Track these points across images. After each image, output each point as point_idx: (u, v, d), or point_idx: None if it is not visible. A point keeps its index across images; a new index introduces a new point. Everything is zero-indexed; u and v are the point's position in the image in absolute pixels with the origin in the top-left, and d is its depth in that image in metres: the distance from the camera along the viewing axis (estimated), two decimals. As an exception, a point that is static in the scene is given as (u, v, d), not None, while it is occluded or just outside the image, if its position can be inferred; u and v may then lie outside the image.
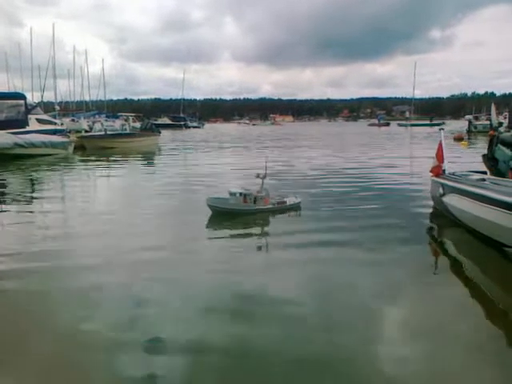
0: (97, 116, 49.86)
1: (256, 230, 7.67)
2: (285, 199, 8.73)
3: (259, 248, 6.59)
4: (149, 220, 8.29)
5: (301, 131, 65.61)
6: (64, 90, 56.87)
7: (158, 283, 5.10)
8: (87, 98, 63.65)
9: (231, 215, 8.01)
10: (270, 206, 8.39)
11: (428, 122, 79.39)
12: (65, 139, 24.94)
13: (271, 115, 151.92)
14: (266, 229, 7.71)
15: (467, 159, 15.83)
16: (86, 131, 33.60)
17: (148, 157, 23.88)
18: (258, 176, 8.52)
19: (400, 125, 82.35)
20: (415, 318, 4.24)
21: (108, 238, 7.09)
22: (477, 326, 4.08)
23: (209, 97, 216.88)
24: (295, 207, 8.72)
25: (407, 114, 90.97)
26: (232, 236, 7.15)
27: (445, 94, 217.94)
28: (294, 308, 4.41)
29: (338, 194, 10.62)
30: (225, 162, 19.98)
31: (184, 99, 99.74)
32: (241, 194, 8.17)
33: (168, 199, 10.49)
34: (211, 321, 4.19)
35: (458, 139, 31.51)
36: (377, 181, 12.93)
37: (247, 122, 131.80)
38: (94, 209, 9.75)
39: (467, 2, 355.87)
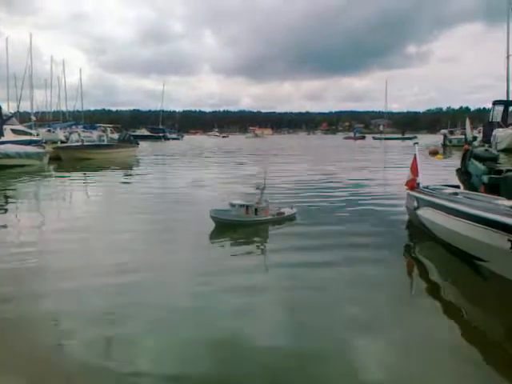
0: (74, 127, 49.34)
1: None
2: (282, 210, 8.83)
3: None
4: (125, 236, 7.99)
5: (283, 143, 66.02)
6: (41, 100, 56.49)
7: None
8: (64, 109, 63.20)
9: (233, 226, 7.97)
10: (270, 217, 8.48)
11: (401, 135, 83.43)
12: (40, 150, 24.54)
13: (250, 128, 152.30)
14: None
15: (442, 172, 16.03)
16: (63, 142, 33.17)
17: (126, 169, 23.55)
18: (257, 187, 8.56)
19: (375, 138, 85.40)
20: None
21: (81, 256, 6.67)
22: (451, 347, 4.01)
23: (188, 108, 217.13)
24: (292, 218, 8.85)
25: (381, 128, 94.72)
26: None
27: (421, 109, 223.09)
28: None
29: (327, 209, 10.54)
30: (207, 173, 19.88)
31: (163, 111, 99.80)
32: (242, 205, 8.18)
33: (146, 213, 10.31)
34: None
35: (434, 153, 32.08)
36: (356, 195, 13.00)
37: (217, 134, 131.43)
38: (66, 223, 9.21)
39: (442, 19, 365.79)
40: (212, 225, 8.07)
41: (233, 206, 8.23)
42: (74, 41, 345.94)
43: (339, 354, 3.88)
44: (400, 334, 4.25)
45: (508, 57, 42.71)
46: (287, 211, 8.90)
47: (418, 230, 7.86)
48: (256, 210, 8.26)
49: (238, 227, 8.00)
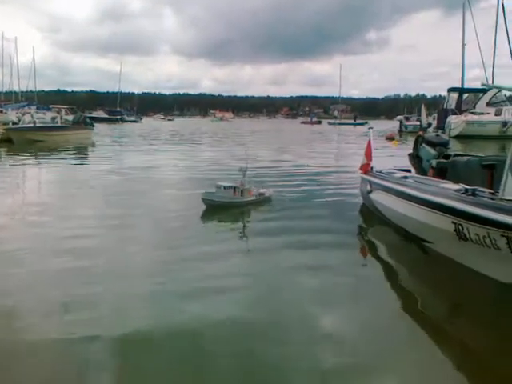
0: (26, 107, 47.55)
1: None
2: (261, 191, 9.12)
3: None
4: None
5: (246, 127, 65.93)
6: (-9, 80, 53.96)
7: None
8: (16, 89, 60.72)
9: (223, 208, 8.22)
10: (254, 198, 8.78)
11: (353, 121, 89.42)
12: (-12, 131, 23.53)
13: (211, 111, 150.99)
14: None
15: (397, 157, 16.39)
16: (14, 123, 31.86)
17: (80, 151, 22.87)
18: (240, 169, 8.80)
19: (330, 123, 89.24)
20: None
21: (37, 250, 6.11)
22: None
23: (147, 91, 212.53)
24: (270, 198, 9.24)
25: (336, 114, 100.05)
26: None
27: (380, 95, 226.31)
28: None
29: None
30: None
31: (121, 92, 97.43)
32: (230, 186, 8.44)
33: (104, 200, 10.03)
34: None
35: (390, 138, 32.87)
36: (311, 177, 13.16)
37: (162, 117, 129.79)
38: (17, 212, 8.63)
39: (400, 6, 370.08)
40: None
41: (222, 187, 8.43)
42: (27, 18, 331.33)
43: (297, 319, 4.15)
44: (352, 306, 4.53)
45: (463, 45, 44.06)
46: (267, 192, 9.26)
47: (371, 213, 8.07)
48: (242, 191, 8.52)
49: (228, 208, 8.27)
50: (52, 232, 6.84)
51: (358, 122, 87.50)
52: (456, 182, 6.07)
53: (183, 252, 5.93)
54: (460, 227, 4.82)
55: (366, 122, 79.02)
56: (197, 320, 4.03)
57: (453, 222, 4.92)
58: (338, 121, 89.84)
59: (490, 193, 4.99)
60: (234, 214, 8.23)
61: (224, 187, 8.43)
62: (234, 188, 8.46)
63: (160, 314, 4.22)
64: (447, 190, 5.43)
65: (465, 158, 7.41)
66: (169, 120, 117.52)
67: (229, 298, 4.57)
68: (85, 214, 8.26)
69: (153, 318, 4.11)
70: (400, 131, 48.13)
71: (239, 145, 26.97)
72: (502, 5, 40.36)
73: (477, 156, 7.64)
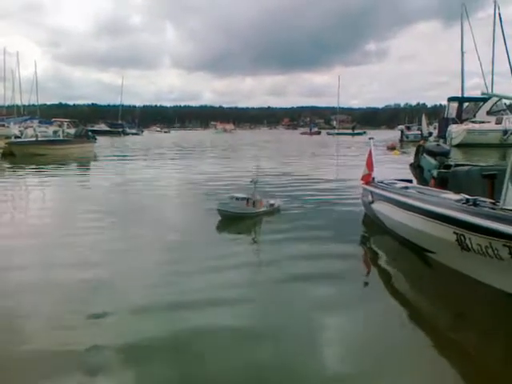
0: (29, 121, 47.82)
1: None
2: (271, 201, 9.32)
3: None
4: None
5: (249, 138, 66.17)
6: (-6, 94, 54.38)
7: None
8: (19, 103, 61.13)
9: (238, 219, 8.36)
10: (265, 209, 8.96)
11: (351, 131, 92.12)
12: (-9, 145, 23.66)
13: (212, 123, 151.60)
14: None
15: (399, 167, 16.43)
16: (17, 137, 32.06)
17: (82, 166, 22.88)
18: (251, 181, 9.01)
19: (329, 133, 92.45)
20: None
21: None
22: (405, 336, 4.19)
23: (149, 103, 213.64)
24: (280, 208, 9.43)
25: (334, 124, 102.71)
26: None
27: (380, 105, 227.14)
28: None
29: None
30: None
31: (123, 105, 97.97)
32: (244, 198, 8.62)
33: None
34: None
35: (391, 148, 32.87)
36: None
37: (158, 129, 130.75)
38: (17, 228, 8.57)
39: (401, 18, 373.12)
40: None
41: (235, 199, 8.59)
42: (28, 32, 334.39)
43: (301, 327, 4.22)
44: (354, 315, 4.53)
45: (462, 55, 44.43)
46: (276, 202, 9.47)
47: (373, 224, 8.08)
48: (254, 202, 8.71)
49: (241, 219, 8.42)
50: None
51: (356, 131, 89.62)
52: (457, 191, 6.10)
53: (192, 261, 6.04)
54: (462, 237, 4.83)
55: (365, 132, 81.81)
56: (199, 329, 4.07)
57: (454, 233, 4.93)
58: (336, 131, 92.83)
59: (491, 202, 5.02)
60: (246, 225, 8.32)
61: (237, 198, 8.61)
62: (247, 199, 8.63)
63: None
64: (448, 200, 5.45)
65: (465, 168, 7.45)
66: (165, 132, 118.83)
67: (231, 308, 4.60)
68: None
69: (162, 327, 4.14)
70: (401, 141, 48.25)
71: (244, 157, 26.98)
72: (499, 14, 40.96)
73: (477, 165, 7.67)
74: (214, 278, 5.41)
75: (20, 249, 6.79)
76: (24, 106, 62.61)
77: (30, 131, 33.69)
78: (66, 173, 19.14)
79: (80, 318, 4.28)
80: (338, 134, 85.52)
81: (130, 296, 4.92)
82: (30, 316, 4.43)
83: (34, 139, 28.81)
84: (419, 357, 3.77)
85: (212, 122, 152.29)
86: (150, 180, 15.46)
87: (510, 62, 40.54)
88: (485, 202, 5.04)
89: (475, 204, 4.92)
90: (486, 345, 4.02)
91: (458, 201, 5.23)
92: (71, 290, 5.08)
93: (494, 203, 4.93)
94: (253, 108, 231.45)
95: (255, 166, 9.81)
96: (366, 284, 5.56)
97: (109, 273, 5.64)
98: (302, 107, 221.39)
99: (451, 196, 5.75)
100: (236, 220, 8.35)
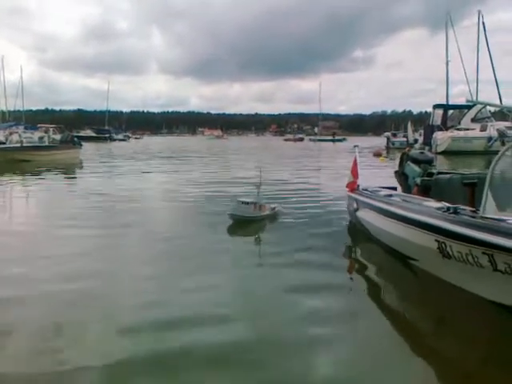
0: (14, 127, 47.39)
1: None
2: (273, 205, 9.66)
3: None
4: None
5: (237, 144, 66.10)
6: (-22, 100, 53.80)
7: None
8: (4, 108, 60.52)
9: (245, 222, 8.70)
10: (268, 213, 9.28)
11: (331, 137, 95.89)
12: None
13: (200, 129, 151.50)
14: None
15: (383, 175, 16.56)
16: (1, 143, 31.80)
17: (67, 171, 22.64)
18: (255, 185, 9.37)
19: (311, 140, 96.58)
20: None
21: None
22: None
23: (136, 109, 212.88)
24: (281, 213, 9.75)
25: (316, 131, 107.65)
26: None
27: (368, 111, 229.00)
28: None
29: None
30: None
31: (109, 111, 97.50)
32: (251, 202, 8.89)
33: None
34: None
35: (377, 155, 33.21)
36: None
37: (138, 136, 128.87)
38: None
39: (386, 26, 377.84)
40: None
41: (242, 203, 8.82)
42: (14, 37, 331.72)
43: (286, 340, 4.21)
44: (340, 324, 4.57)
45: (447, 62, 44.94)
46: (277, 206, 9.80)
47: (358, 231, 8.12)
48: (260, 206, 9.03)
49: (250, 223, 8.74)
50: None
51: (336, 138, 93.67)
52: (439, 199, 6.17)
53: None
54: (443, 245, 4.89)
55: (344, 139, 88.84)
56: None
57: (436, 240, 4.99)
58: (318, 137, 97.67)
59: (471, 211, 5.09)
60: (253, 228, 8.62)
61: (244, 202, 8.85)
62: (254, 203, 8.90)
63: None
64: (430, 208, 5.51)
65: (447, 176, 7.54)
66: (136, 138, 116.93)
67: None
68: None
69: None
70: (387, 147, 48.66)
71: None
72: (483, 23, 41.70)
73: (459, 173, 7.77)
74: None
75: None
76: (9, 111, 61.98)
77: (15, 137, 33.40)
78: (48, 179, 18.84)
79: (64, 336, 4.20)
80: (319, 140, 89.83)
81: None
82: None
83: (18, 145, 28.57)
84: (403, 363, 3.86)
85: (200, 129, 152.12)
86: (140, 189, 15.35)
87: (493, 70, 41.20)
88: (465, 210, 5.11)
89: (456, 212, 4.99)
90: (466, 349, 4.12)
91: (439, 209, 5.29)
92: (54, 304, 4.96)
93: (474, 211, 5.00)
94: (240, 114, 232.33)
95: (258, 169, 10.10)
96: (351, 292, 5.57)
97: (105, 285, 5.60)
98: (290, 114, 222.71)
99: (433, 204, 5.82)
100: (244, 223, 8.66)
